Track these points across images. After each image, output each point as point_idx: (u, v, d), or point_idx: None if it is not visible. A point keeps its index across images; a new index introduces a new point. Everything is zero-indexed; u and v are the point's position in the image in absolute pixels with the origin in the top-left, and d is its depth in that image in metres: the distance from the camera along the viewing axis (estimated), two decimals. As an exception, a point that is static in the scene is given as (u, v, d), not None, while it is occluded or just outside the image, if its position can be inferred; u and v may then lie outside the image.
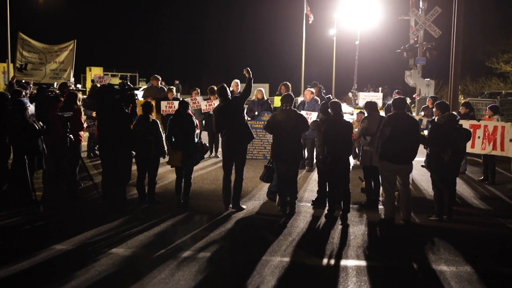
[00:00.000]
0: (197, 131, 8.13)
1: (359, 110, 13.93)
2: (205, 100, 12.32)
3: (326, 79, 43.96)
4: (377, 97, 32.61)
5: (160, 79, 13.04)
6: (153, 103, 12.24)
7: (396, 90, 12.52)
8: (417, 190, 9.81)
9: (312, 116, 10.76)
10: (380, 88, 35.97)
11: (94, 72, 51.72)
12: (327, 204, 7.95)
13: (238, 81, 12.47)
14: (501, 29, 42.67)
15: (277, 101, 11.95)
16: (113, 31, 71.46)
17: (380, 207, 8.35)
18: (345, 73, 44.91)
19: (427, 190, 9.62)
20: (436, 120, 7.74)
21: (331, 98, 8.72)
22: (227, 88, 8.02)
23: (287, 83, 12.43)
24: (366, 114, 8.72)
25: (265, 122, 12.44)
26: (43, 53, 14.47)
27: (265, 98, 12.48)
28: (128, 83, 7.56)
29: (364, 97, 32.53)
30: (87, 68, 51.36)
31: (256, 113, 12.25)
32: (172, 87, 12.46)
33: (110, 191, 7.48)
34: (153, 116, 8.09)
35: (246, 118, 8.09)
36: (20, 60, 14.17)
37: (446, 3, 17.62)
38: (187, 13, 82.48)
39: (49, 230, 6.79)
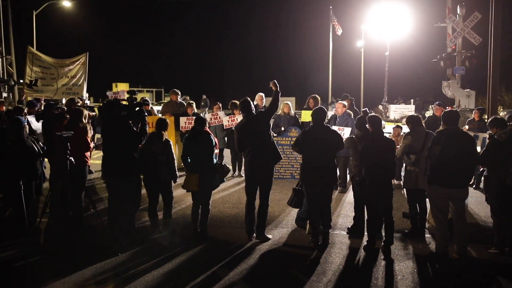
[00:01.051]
0: (216, 150, 7.18)
1: (395, 124, 12.75)
2: (227, 115, 11.41)
3: (354, 92, 42.68)
4: (409, 109, 31.22)
5: (180, 93, 12.22)
6: (172, 119, 11.57)
7: (437, 102, 11.34)
8: (470, 216, 8.58)
9: (345, 132, 9.72)
10: (412, 100, 34.53)
11: (120, 88, 52.15)
12: (365, 233, 6.88)
13: (262, 94, 11.53)
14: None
15: (305, 116, 10.95)
16: (139, 47, 72.01)
17: (427, 235, 7.23)
18: (374, 85, 43.58)
19: (483, 216, 8.41)
20: (496, 136, 6.60)
21: (368, 111, 7.65)
22: (251, 102, 7.08)
23: (316, 96, 11.44)
24: (408, 130, 7.61)
25: (293, 140, 11.59)
26: (54, 67, 13.80)
27: (292, 112, 11.49)
28: (137, 97, 6.61)
29: (395, 110, 31.22)
30: (113, 84, 51.77)
31: (283, 128, 11.26)
32: (191, 102, 11.61)
33: (117, 220, 6.59)
34: (166, 134, 7.19)
35: (272, 135, 7.08)
36: (29, 76, 13.49)
37: (485, 9, 16.41)
38: (212, 27, 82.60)
39: (43, 267, 5.90)
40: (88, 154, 7.37)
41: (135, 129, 6.40)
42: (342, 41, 45.62)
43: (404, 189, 7.51)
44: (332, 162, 6.78)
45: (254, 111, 7.05)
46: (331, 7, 38.69)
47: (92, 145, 7.41)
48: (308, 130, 6.78)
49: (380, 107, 34.91)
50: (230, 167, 11.33)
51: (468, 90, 16.72)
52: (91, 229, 7.29)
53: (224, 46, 76.61)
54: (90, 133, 7.39)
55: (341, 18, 41.84)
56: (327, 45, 40.56)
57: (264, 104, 11.54)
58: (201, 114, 11.68)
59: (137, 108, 6.50)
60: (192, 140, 6.88)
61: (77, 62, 14.16)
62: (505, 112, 34.84)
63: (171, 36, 78.14)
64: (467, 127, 10.65)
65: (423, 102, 36.61)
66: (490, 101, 17.04)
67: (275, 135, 11.43)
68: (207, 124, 7.15)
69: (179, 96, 12.14)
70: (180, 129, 11.31)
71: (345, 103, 10.46)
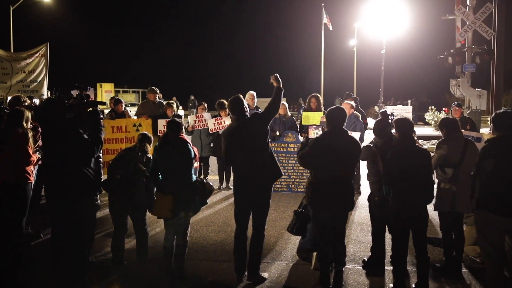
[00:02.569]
0: (196, 164, 5.55)
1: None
2: (213, 117, 9.80)
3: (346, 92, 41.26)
4: (406, 110, 29.67)
5: (158, 92, 10.55)
6: (149, 121, 9.91)
7: (456, 103, 9.77)
8: None
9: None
10: (409, 101, 33.05)
11: (105, 88, 50.31)
12: (386, 268, 5.36)
13: (254, 93, 9.91)
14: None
15: (306, 118, 9.36)
16: (125, 46, 70.03)
17: (464, 270, 5.71)
18: (368, 86, 42.21)
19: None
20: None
21: (394, 114, 6.06)
22: (244, 101, 5.45)
23: (317, 95, 9.86)
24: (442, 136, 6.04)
25: (289, 146, 10.01)
26: (7, 61, 11.85)
27: (288, 114, 9.90)
28: (89, 93, 4.95)
29: (392, 111, 29.70)
30: (98, 84, 49.95)
31: (278, 133, 9.65)
32: (172, 102, 9.95)
33: (63, 255, 4.94)
34: (150, 150, 5.62)
35: (272, 147, 5.46)
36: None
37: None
38: (201, 25, 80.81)
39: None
40: (30, 168, 5.71)
41: (85, 136, 4.74)
42: (335, 40, 44.37)
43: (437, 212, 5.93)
44: (350, 178, 5.18)
45: (247, 113, 5.45)
46: (323, 4, 37.37)
47: (35, 156, 5.75)
48: (321, 137, 5.14)
49: (376, 108, 33.40)
50: (215, 186, 9.67)
51: (479, 89, 15.25)
52: (35, 266, 5.63)
53: (213, 45, 75.10)
54: (33, 140, 5.72)
55: (334, 16, 40.59)
56: (319, 44, 39.19)
57: (255, 104, 9.93)
58: (188, 116, 10.03)
59: (90, 109, 4.84)
60: (164, 150, 5.25)
61: (36, 55, 12.14)
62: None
63: (159, 34, 76.24)
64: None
65: (419, 103, 35.22)
66: (494, 101, 15.73)
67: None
68: (183, 129, 5.50)
69: (157, 95, 10.46)
70: (158, 133, 9.65)
71: (353, 103, 8.89)
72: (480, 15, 14.28)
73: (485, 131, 13.16)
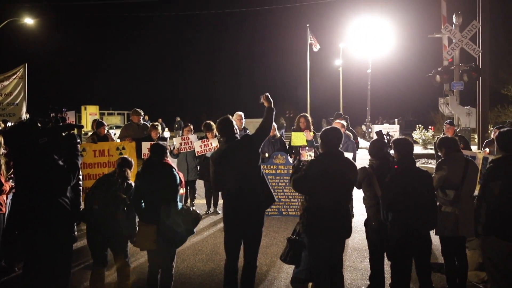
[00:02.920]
0: (181, 190, 5.18)
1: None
2: (200, 139, 9.44)
3: (333, 112, 41.29)
4: (393, 129, 29.68)
5: (143, 114, 10.18)
6: (132, 144, 9.52)
7: (448, 121, 9.59)
8: None
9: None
10: (396, 120, 33.08)
11: (90, 111, 49.69)
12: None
13: (241, 113, 9.60)
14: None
15: (295, 139, 9.06)
16: (110, 68, 69.69)
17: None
18: (355, 105, 42.30)
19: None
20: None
21: (390, 134, 5.76)
22: (233, 122, 5.12)
23: (306, 114, 9.58)
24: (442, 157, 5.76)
25: (279, 168, 9.66)
26: None
27: (278, 134, 9.57)
28: (66, 116, 4.58)
29: (387, 131, 29.59)
30: (82, 107, 49.41)
31: (267, 154, 9.32)
32: (156, 123, 9.59)
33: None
34: (130, 175, 5.23)
35: (262, 169, 5.10)
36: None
37: (484, 17, 14.98)
38: (185, 46, 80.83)
39: None
40: (2, 198, 5.28)
41: (60, 163, 4.34)
42: (321, 60, 44.56)
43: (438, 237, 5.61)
44: (348, 203, 4.84)
45: (237, 134, 5.11)
46: (308, 25, 37.57)
47: (8, 185, 5.32)
48: (317, 160, 4.78)
49: (363, 127, 33.40)
50: (202, 210, 9.32)
51: (468, 107, 15.14)
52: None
53: (199, 66, 75.03)
54: (5, 168, 5.30)
55: (319, 36, 40.79)
56: (305, 64, 39.26)
57: (243, 125, 9.61)
58: (174, 138, 9.67)
59: (65, 133, 4.46)
60: (147, 176, 4.88)
61: (13, 77, 11.65)
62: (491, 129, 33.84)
63: (145, 56, 76.07)
64: (487, 150, 8.91)
65: (405, 122, 35.35)
66: (481, 119, 15.61)
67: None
68: (168, 153, 5.13)
69: (141, 117, 10.08)
70: (142, 157, 9.25)
71: (344, 122, 8.62)
72: (466, 33, 14.26)
73: (474, 148, 13.00)
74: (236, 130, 5.13)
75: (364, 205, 5.59)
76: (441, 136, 5.71)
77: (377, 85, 42.20)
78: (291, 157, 9.28)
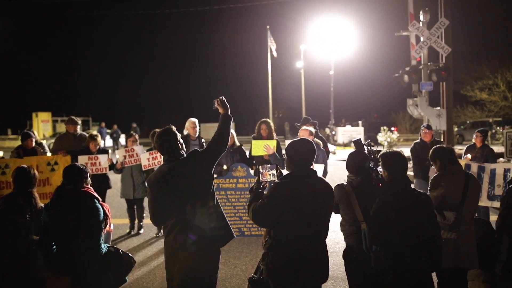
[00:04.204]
0: (107, 227, 3.94)
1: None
2: (148, 150, 8.19)
3: (296, 115, 40.67)
4: (357, 131, 29.14)
5: (80, 122, 8.81)
6: (68, 158, 8.18)
7: (426, 124, 8.63)
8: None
9: (316, 171, 6.80)
10: (360, 122, 32.53)
11: (42, 118, 47.17)
12: None
13: (195, 120, 8.40)
14: (472, 55, 40.84)
15: (256, 148, 7.94)
16: (61, 73, 66.81)
17: None
18: (318, 107, 41.71)
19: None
20: None
21: (371, 144, 4.66)
22: (177, 135, 3.92)
23: (268, 120, 8.46)
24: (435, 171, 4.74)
25: (239, 182, 8.49)
26: None
27: (237, 143, 8.43)
28: None
29: (343, 133, 28.97)
30: (34, 114, 47.08)
31: (225, 167, 8.14)
32: (95, 133, 8.24)
33: None
34: (36, 195, 3.94)
35: (216, 196, 3.91)
36: None
37: (453, 14, 14.36)
38: (141, 47, 78.72)
39: None
40: None
41: None
42: (282, 62, 43.81)
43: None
44: (324, 238, 3.73)
45: (183, 151, 3.92)
46: (268, 27, 36.78)
47: None
48: (281, 184, 3.61)
49: (327, 130, 32.73)
50: (151, 233, 7.97)
51: (438, 108, 14.46)
52: None
53: (156, 70, 72.95)
54: None
55: (280, 37, 40.10)
56: (265, 66, 38.42)
57: (198, 134, 8.42)
58: (116, 151, 8.36)
59: None
60: (58, 210, 3.62)
61: None
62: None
63: (100, 59, 73.45)
64: (469, 156, 8.04)
65: (368, 124, 34.88)
66: (446, 119, 15.04)
67: (214, 176, 8.33)
68: (89, 178, 3.88)
69: (78, 127, 8.71)
70: (80, 173, 7.92)
71: (312, 129, 7.54)
72: (435, 30, 13.56)
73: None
74: (182, 145, 3.95)
75: (341, 233, 4.53)
76: (436, 146, 4.70)
77: (340, 87, 41.82)
78: (252, 169, 8.16)
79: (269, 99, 38.84)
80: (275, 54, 37.11)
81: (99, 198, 3.73)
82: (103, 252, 3.65)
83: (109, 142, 31.91)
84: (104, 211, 3.69)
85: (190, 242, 3.57)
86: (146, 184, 4.36)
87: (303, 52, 38.74)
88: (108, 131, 32.90)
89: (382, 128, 24.29)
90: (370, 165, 4.35)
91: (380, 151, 4.30)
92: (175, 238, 3.60)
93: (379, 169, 4.10)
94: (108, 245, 3.82)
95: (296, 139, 3.78)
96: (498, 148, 16.42)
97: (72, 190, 3.66)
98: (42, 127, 47.05)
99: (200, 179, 3.75)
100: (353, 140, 4.73)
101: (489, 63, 43.38)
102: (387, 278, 3.61)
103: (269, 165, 3.93)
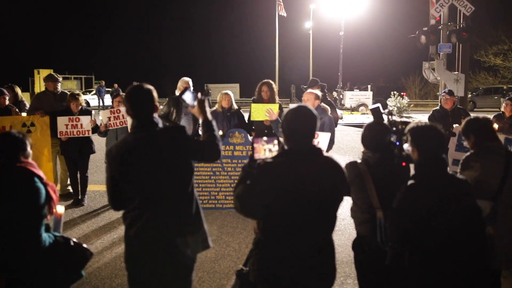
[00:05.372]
0: (56, 213, 3.12)
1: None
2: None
3: (303, 78, 39.52)
4: (366, 96, 28.04)
5: (61, 80, 7.92)
6: (46, 119, 7.37)
7: (447, 90, 7.70)
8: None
9: (320, 140, 5.96)
10: (369, 86, 31.29)
11: (43, 75, 46.22)
12: None
13: (189, 80, 7.51)
14: (488, 19, 39.15)
15: (256, 112, 7.08)
16: (63, 29, 65.31)
17: None
18: (326, 70, 40.41)
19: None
20: None
21: (392, 113, 3.76)
22: (153, 98, 3.00)
23: (270, 81, 7.55)
24: (467, 147, 3.85)
25: (236, 149, 7.64)
26: None
27: (235, 106, 7.55)
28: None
29: (351, 97, 27.83)
30: (35, 71, 46.13)
31: (221, 132, 7.29)
32: (77, 92, 7.42)
33: None
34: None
35: (195, 195, 3.04)
36: None
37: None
38: (148, 8, 76.73)
39: None
40: None
41: None
42: (290, 23, 42.39)
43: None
44: (331, 233, 2.89)
45: (159, 122, 3.03)
46: (276, -16, 35.26)
47: None
48: (276, 162, 2.72)
49: (335, 94, 31.58)
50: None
51: (457, 73, 13.41)
52: None
53: (161, 28, 71.16)
54: None
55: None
56: (273, 27, 37.07)
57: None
58: (101, 111, 7.58)
59: None
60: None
61: None
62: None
63: (103, 18, 71.67)
64: (495, 126, 7.12)
65: (376, 89, 33.67)
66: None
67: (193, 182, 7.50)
68: (28, 149, 3.02)
69: (59, 84, 7.83)
70: (59, 135, 7.15)
71: (319, 92, 6.61)
72: (456, -13, 12.38)
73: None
74: (157, 106, 3.06)
75: (352, 218, 3.73)
76: (470, 118, 3.81)
77: (351, 49, 40.41)
78: (251, 135, 7.34)
79: (276, 61, 37.67)
80: (284, 13, 35.73)
81: (41, 175, 2.90)
82: (46, 244, 2.85)
83: (108, 101, 30.93)
84: (47, 192, 2.87)
85: (155, 245, 2.77)
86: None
87: (312, 12, 37.26)
88: (109, 90, 31.97)
89: (392, 93, 23.23)
90: (392, 139, 3.47)
91: (406, 122, 3.41)
92: (137, 235, 2.80)
93: (405, 146, 3.22)
94: (56, 234, 3.03)
95: (291, 107, 2.88)
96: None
97: (4, 165, 2.83)
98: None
99: (178, 168, 2.90)
100: (371, 108, 3.83)
101: (506, 28, 41.74)
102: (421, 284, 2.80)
103: (265, 138, 3.06)
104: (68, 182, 7.77)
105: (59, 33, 64.77)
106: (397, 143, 3.46)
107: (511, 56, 42.04)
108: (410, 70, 43.96)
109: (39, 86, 43.25)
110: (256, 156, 2.99)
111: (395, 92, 23.60)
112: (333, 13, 30.34)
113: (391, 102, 22.64)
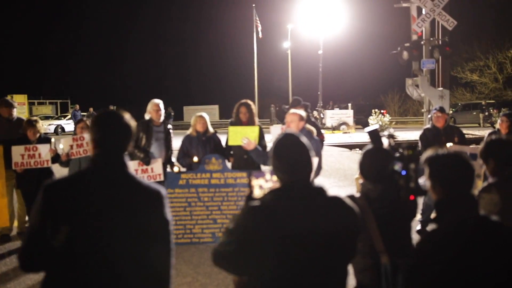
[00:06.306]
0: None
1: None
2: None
3: (282, 97, 39.29)
4: (346, 114, 27.75)
5: (16, 105, 7.20)
6: (0, 149, 6.64)
7: (438, 107, 7.20)
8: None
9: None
10: (349, 104, 31.04)
11: (18, 100, 45.09)
12: None
13: (159, 102, 6.88)
14: (461, 36, 39.70)
15: (233, 136, 6.43)
16: (38, 54, 64.23)
17: None
18: (305, 89, 40.21)
19: None
20: None
21: (393, 136, 3.16)
22: (131, 131, 2.28)
23: (249, 102, 6.95)
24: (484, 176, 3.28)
25: (213, 177, 6.92)
26: None
27: (211, 130, 6.92)
28: None
29: (332, 116, 27.55)
30: (9, 96, 44.86)
31: (196, 159, 6.63)
32: (34, 118, 6.73)
33: None
34: None
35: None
36: None
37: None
38: (123, 24, 76.18)
39: None
40: None
41: None
42: (269, 42, 42.36)
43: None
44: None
45: (127, 163, 2.31)
46: (254, 5, 35.27)
47: None
48: (259, 207, 2.08)
49: (315, 113, 31.26)
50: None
51: (441, 89, 13.08)
52: None
53: (138, 50, 70.50)
54: None
55: (266, 16, 38.69)
56: (252, 47, 36.92)
57: (162, 119, 6.90)
58: (61, 139, 6.89)
59: None
60: None
61: None
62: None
63: (77, 42, 70.82)
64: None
65: (356, 107, 33.55)
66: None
67: (183, 169, 6.82)
68: None
69: (15, 110, 7.10)
70: (13, 167, 6.41)
71: (302, 112, 6.02)
72: (438, 1, 12.10)
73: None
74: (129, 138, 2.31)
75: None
76: (489, 138, 3.24)
77: (330, 68, 40.39)
78: (228, 161, 6.70)
79: (255, 80, 37.36)
80: (260, 34, 35.74)
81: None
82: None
83: (84, 126, 30.16)
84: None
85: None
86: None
87: (290, 31, 37.22)
88: (84, 113, 31.21)
89: (373, 110, 22.97)
90: (396, 167, 2.85)
91: (411, 146, 2.80)
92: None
93: (421, 180, 2.60)
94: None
95: (281, 136, 2.26)
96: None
97: None
98: (18, 109, 45.01)
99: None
100: (367, 130, 3.22)
101: (480, 44, 42.46)
102: None
103: (255, 172, 2.48)
104: (27, 218, 6.99)
105: (34, 57, 63.67)
106: (403, 172, 2.84)
107: (487, 72, 42.72)
108: (388, 87, 44.24)
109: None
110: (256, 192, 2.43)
111: (376, 110, 23.35)
112: (311, 32, 30.25)
113: (373, 120, 22.35)
